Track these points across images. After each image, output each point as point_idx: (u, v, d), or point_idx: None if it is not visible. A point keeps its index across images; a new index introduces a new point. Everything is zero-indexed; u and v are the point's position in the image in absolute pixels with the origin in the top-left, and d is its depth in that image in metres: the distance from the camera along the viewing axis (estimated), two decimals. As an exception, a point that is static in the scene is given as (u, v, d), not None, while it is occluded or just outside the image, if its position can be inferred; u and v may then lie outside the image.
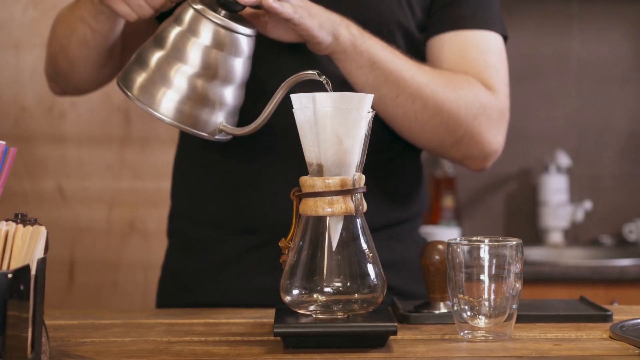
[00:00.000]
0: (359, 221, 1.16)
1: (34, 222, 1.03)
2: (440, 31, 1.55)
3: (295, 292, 1.15)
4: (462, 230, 3.13)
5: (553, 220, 3.13)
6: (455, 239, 1.20)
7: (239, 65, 1.37)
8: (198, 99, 1.34)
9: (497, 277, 1.17)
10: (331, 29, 1.40)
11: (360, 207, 1.16)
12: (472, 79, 1.50)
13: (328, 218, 1.15)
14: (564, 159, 3.14)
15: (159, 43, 1.35)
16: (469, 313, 1.18)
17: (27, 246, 0.94)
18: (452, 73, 1.50)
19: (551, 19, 3.24)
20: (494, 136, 1.51)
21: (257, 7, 1.35)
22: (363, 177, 1.16)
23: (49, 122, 2.56)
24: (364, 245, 1.16)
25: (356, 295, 1.14)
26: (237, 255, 1.54)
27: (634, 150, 3.24)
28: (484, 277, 1.17)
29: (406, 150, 1.59)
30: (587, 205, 3.16)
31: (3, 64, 2.56)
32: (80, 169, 2.56)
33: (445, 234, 2.97)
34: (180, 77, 1.33)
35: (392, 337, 1.17)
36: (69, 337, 1.25)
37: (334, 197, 1.14)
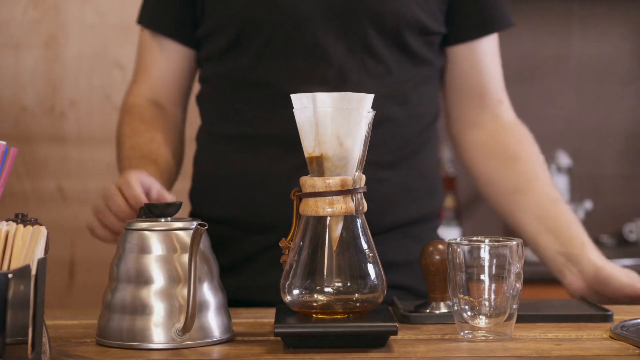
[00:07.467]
0: (359, 221, 1.16)
1: (34, 222, 1.03)
2: (458, 41, 1.63)
3: (296, 292, 1.15)
4: (462, 230, 3.12)
5: (553, 220, 3.12)
6: (456, 239, 1.20)
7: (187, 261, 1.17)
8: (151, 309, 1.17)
9: (498, 277, 1.17)
10: None
11: (361, 207, 1.16)
12: (524, 138, 1.73)
13: (328, 218, 1.15)
14: (564, 159, 3.14)
15: (110, 280, 1.23)
16: (469, 313, 1.18)
17: (27, 246, 0.94)
18: (532, 152, 1.71)
19: (551, 19, 3.24)
20: None
21: None
22: (363, 176, 1.16)
23: (49, 122, 2.56)
24: (364, 245, 1.16)
25: (356, 295, 1.14)
26: (254, 254, 1.57)
27: (634, 150, 3.24)
28: (485, 277, 1.17)
29: (426, 145, 1.61)
30: (588, 205, 3.16)
31: (3, 64, 2.56)
32: (80, 169, 2.56)
33: (446, 233, 2.96)
34: (127, 296, 1.19)
35: (392, 337, 1.17)
36: (70, 337, 1.25)
37: (334, 197, 1.14)
